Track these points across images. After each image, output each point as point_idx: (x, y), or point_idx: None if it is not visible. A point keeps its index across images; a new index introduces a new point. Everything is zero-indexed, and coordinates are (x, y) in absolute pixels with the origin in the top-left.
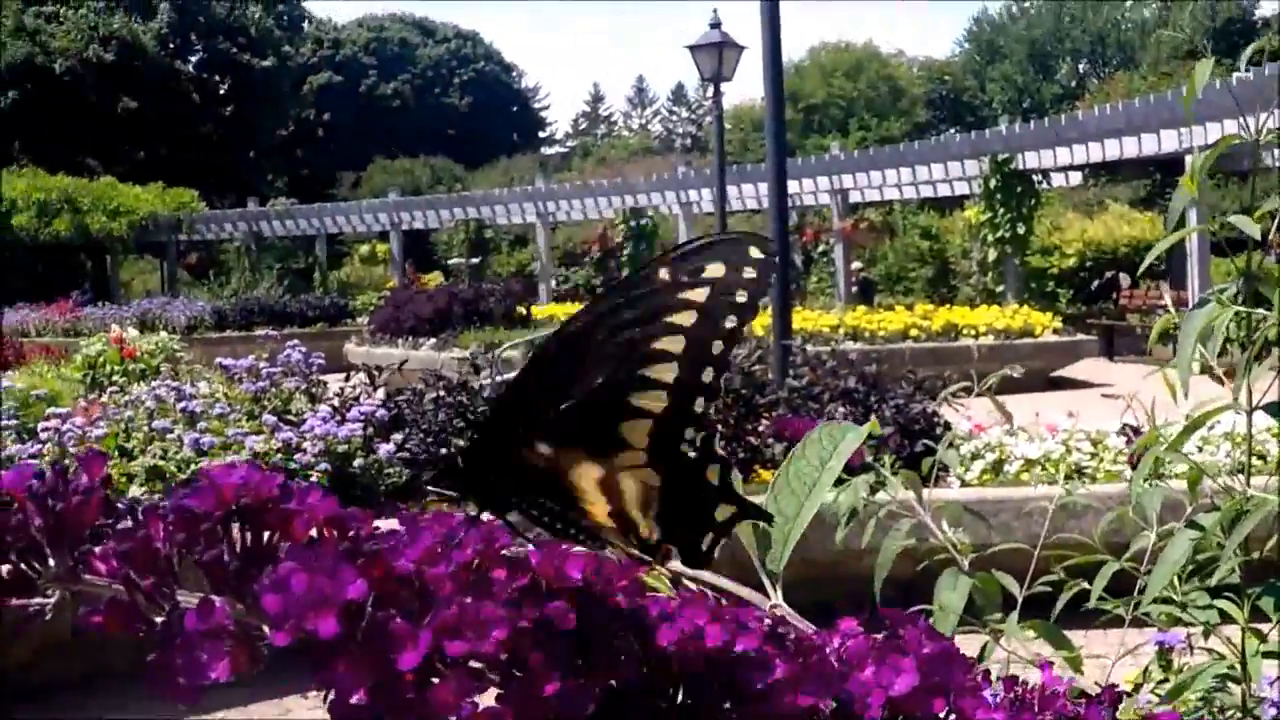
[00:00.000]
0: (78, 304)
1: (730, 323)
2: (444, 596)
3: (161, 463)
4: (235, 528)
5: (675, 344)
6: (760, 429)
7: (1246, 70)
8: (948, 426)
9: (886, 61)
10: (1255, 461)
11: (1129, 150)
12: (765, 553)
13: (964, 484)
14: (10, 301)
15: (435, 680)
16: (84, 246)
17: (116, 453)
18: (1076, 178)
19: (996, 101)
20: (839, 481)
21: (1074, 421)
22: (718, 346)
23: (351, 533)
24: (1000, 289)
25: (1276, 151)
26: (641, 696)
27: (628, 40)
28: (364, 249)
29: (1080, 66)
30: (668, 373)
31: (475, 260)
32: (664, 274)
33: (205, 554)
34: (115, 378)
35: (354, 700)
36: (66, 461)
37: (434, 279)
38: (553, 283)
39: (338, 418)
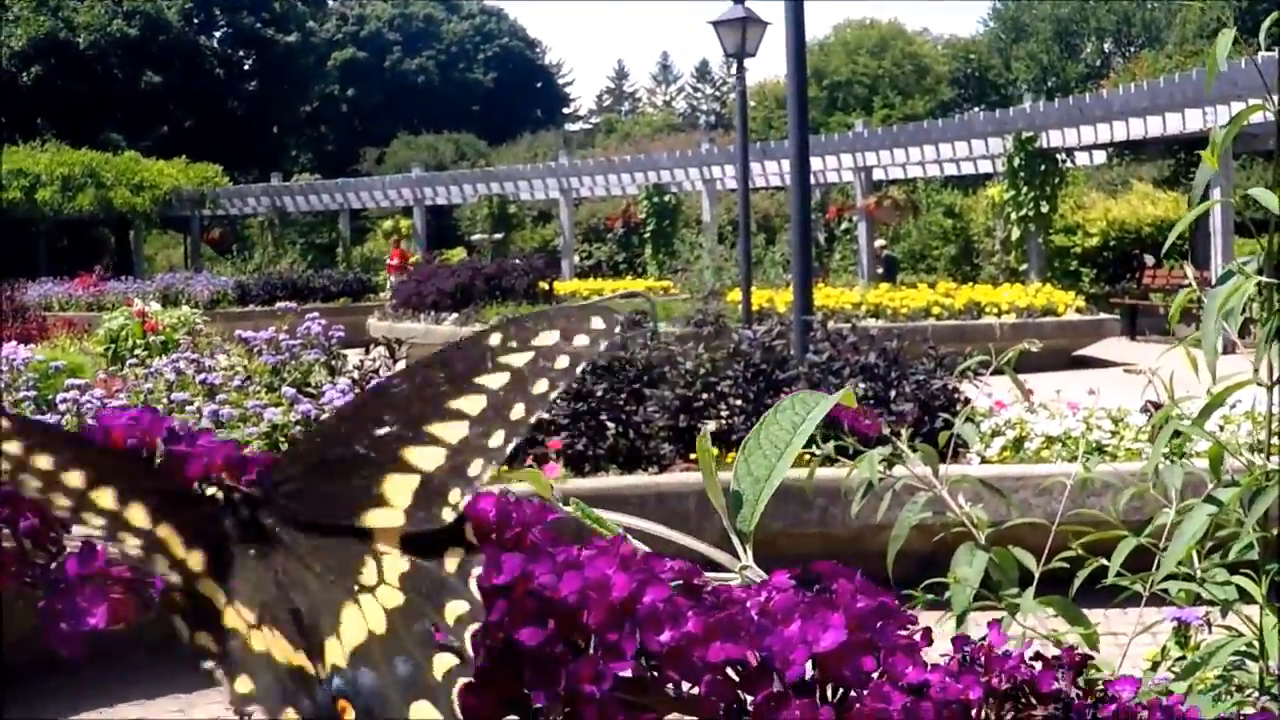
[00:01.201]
0: (101, 278)
1: (539, 388)
2: None
3: None
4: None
5: (474, 405)
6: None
7: (1270, 49)
8: (968, 403)
9: (911, 39)
10: (1276, 440)
11: (1153, 129)
12: (736, 515)
13: (984, 460)
14: (34, 275)
15: None
16: (107, 221)
17: None
18: (1101, 157)
19: (1021, 80)
20: (855, 454)
21: (1095, 399)
22: (517, 411)
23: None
24: (1023, 267)
25: None
26: (543, 652)
27: (652, 16)
28: (387, 224)
29: (1105, 45)
30: (455, 433)
31: (498, 236)
32: (495, 339)
33: None
34: (137, 351)
35: None
36: None
37: (457, 254)
38: (576, 258)
39: (357, 390)
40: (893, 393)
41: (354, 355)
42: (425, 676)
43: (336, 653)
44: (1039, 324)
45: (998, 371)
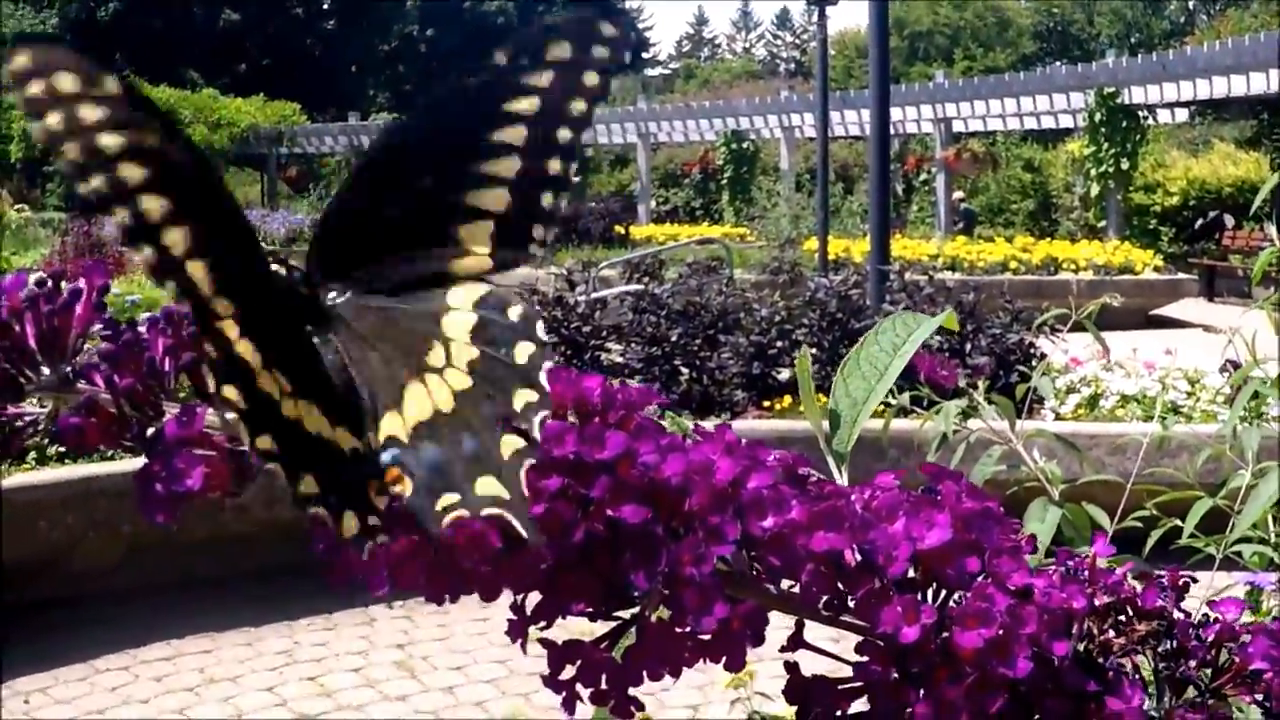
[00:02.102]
0: None
1: (578, 107)
2: None
3: None
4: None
5: (516, 135)
6: None
7: None
8: (1044, 358)
9: None
10: None
11: (1236, 88)
12: (834, 434)
13: (1058, 417)
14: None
15: None
16: None
17: None
18: (1182, 114)
19: (1104, 35)
20: (931, 405)
21: (1172, 360)
22: (564, 134)
23: None
24: (1102, 224)
25: None
26: (645, 531)
27: None
28: None
29: (1190, 2)
30: (509, 167)
31: (575, 179)
32: (500, 57)
33: (188, 358)
34: None
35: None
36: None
37: None
38: (652, 203)
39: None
40: (968, 346)
41: None
42: (493, 454)
43: (396, 426)
44: (1116, 282)
45: (1075, 327)
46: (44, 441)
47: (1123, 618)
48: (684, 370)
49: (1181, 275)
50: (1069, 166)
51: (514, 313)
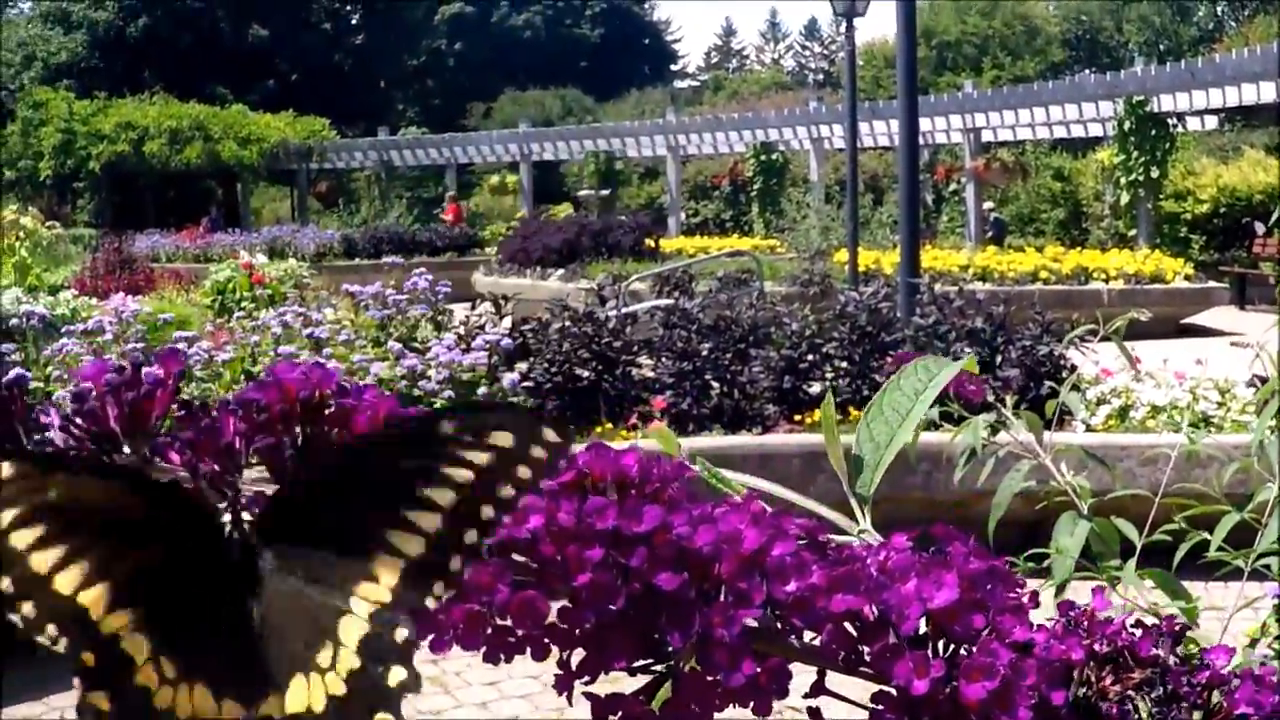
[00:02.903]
0: (207, 230)
1: (506, 493)
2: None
3: None
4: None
5: (445, 498)
6: (885, 366)
7: None
8: (1074, 369)
9: None
10: None
11: (1266, 95)
12: (857, 479)
13: (1089, 428)
14: (141, 227)
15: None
16: (214, 174)
17: (243, 377)
18: (1212, 122)
19: (1133, 42)
20: (959, 420)
21: (1202, 370)
22: (488, 511)
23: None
24: (1132, 233)
25: None
26: (679, 596)
27: None
28: (494, 179)
29: (1219, 9)
30: (431, 523)
31: (605, 192)
32: (447, 427)
33: (263, 443)
34: (243, 303)
35: None
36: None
37: (563, 210)
38: (682, 216)
39: (463, 346)
40: (998, 358)
41: (460, 310)
42: None
43: (275, 708)
44: (1146, 291)
45: (1106, 339)
46: None
47: (1120, 665)
48: (715, 384)
49: (1212, 284)
50: (1099, 175)
51: (399, 635)
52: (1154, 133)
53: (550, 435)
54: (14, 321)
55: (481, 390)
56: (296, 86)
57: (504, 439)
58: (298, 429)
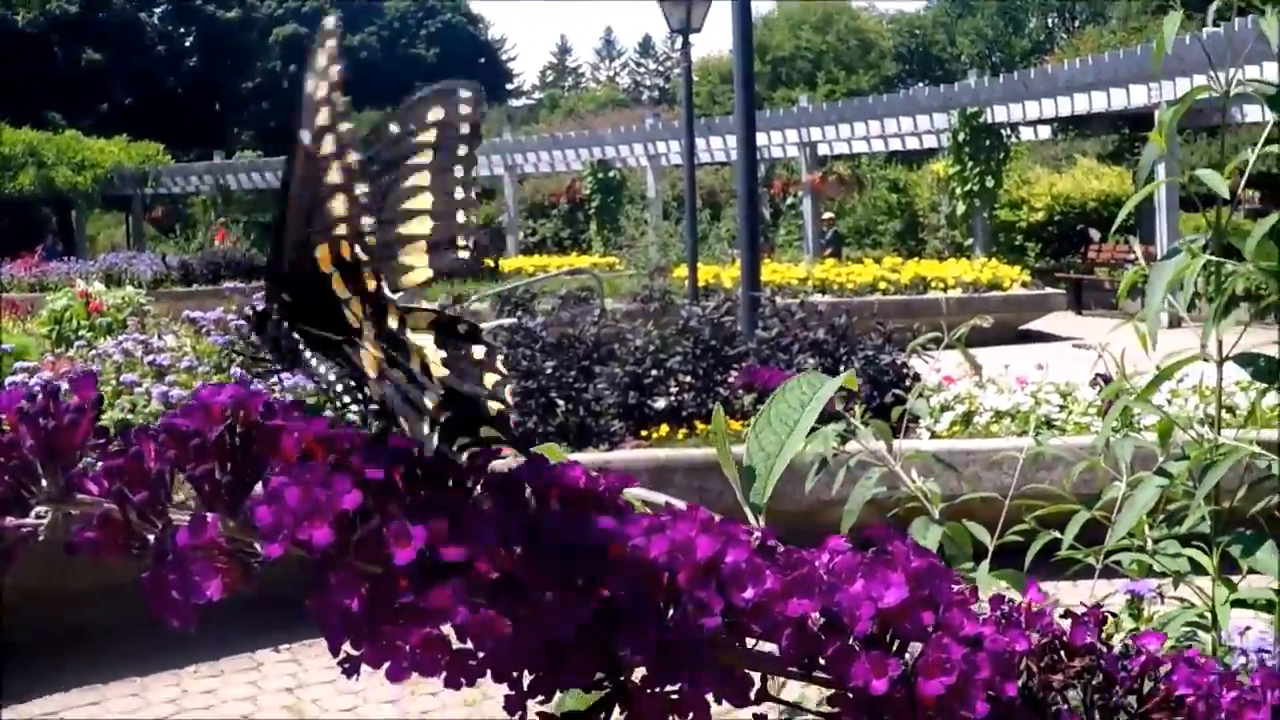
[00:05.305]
0: (42, 259)
1: (462, 149)
2: (437, 506)
3: (130, 416)
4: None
5: (423, 179)
6: (729, 380)
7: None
8: (917, 378)
9: (855, 14)
10: (1224, 415)
11: (1098, 104)
12: (749, 488)
13: (934, 435)
14: None
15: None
16: (48, 200)
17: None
18: (1045, 132)
19: (966, 55)
20: (810, 432)
21: (1043, 374)
22: (459, 171)
23: (345, 448)
24: (969, 242)
25: (1245, 107)
26: (634, 609)
27: None
28: None
29: (1050, 20)
30: (425, 201)
31: (475, 200)
32: (394, 128)
33: (196, 470)
34: (82, 332)
35: (349, 606)
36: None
37: None
38: (520, 235)
39: None
40: (842, 368)
41: None
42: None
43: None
44: (985, 299)
45: (949, 346)
46: None
47: (1056, 656)
48: (560, 402)
49: (1049, 290)
50: (934, 186)
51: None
52: (988, 143)
53: (464, 92)
54: None
55: (328, 412)
56: (131, 111)
57: (437, 113)
58: (229, 454)
